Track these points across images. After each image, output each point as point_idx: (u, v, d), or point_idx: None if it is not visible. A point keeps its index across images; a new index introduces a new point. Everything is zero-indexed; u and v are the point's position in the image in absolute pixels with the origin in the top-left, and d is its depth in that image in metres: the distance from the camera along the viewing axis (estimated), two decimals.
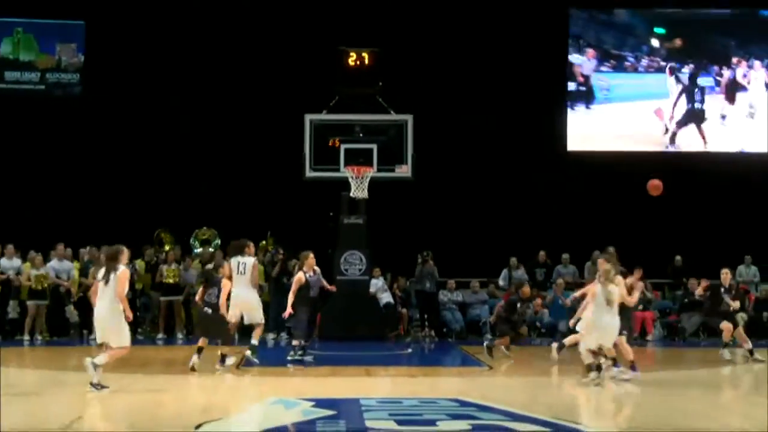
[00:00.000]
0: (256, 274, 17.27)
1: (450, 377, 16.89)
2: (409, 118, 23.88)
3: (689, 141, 26.87)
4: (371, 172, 23.29)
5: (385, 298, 24.06)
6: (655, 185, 17.52)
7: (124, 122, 27.13)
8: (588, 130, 27.92)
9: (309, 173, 23.87)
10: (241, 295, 16.92)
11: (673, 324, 24.74)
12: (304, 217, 25.58)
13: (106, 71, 27.26)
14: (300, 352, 18.13)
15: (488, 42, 27.28)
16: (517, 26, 27.35)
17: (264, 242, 24.58)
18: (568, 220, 26.88)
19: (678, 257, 25.59)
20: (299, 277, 18.04)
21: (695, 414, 12.67)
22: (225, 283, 16.69)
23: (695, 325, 24.31)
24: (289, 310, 17.86)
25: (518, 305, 19.93)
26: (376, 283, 23.98)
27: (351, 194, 23.37)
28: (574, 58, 24.32)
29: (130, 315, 14.39)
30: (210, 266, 19.00)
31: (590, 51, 23.77)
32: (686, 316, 24.32)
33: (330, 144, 23.69)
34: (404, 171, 23.79)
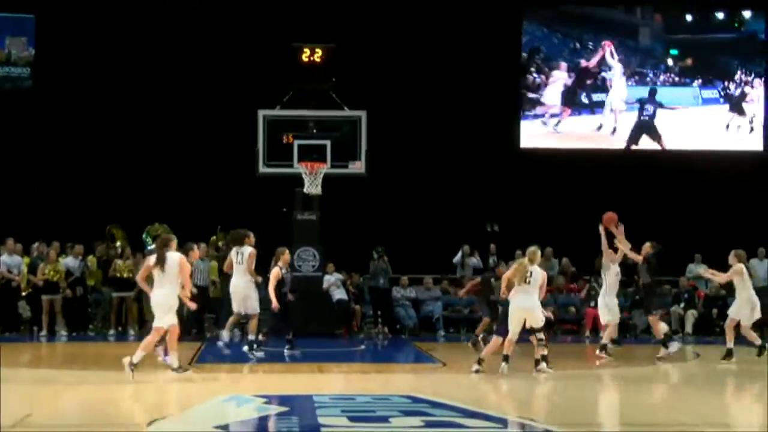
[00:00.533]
0: (252, 263, 17.67)
1: (403, 374, 16.92)
2: (362, 114, 23.81)
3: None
4: (325, 168, 23.18)
5: (338, 294, 24.02)
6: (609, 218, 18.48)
7: (74, 117, 26.91)
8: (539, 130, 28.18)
9: (262, 169, 23.73)
10: (239, 284, 17.42)
11: (624, 321, 24.79)
12: (257, 213, 25.39)
13: (57, 65, 27.01)
14: (288, 347, 18.68)
15: (443, 38, 27.32)
16: (471, 22, 27.39)
17: (214, 237, 24.46)
18: (521, 217, 26.93)
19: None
20: (276, 272, 18.17)
21: (647, 408, 12.78)
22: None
23: (646, 322, 24.42)
24: (275, 304, 17.93)
25: (493, 281, 19.81)
26: (329, 279, 23.95)
27: (304, 190, 23.26)
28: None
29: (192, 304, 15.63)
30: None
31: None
32: (637, 313, 24.44)
33: (284, 140, 23.56)
34: (358, 167, 23.73)
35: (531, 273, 15.57)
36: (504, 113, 28.28)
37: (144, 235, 25.15)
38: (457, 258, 25.78)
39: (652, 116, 23.19)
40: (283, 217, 24.71)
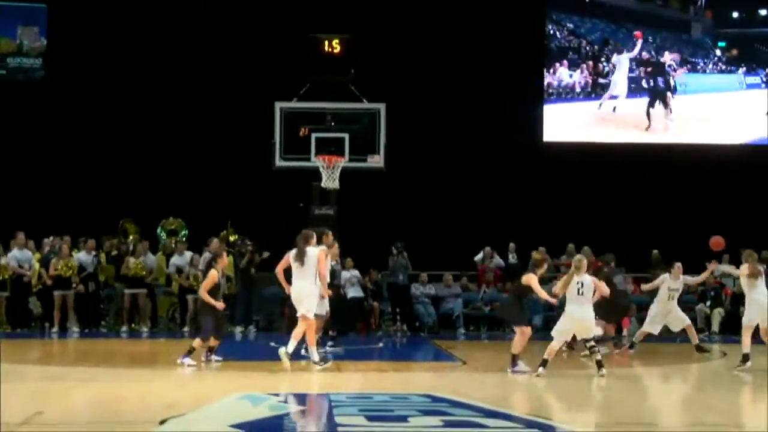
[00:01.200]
0: (322, 265, 16.45)
1: (422, 372, 16.69)
2: (381, 107, 23.53)
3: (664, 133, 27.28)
4: (343, 161, 22.92)
5: (352, 291, 23.61)
6: (716, 242, 18.94)
7: (87, 108, 26.68)
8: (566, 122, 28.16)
9: (279, 162, 23.48)
10: (297, 285, 16.38)
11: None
12: (274, 207, 25.20)
13: (70, 56, 26.81)
14: (330, 343, 18.44)
15: (464, 29, 27.04)
16: (493, 13, 27.08)
17: (224, 232, 24.21)
18: (543, 212, 26.63)
19: (655, 251, 25.33)
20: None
21: (669, 410, 12.55)
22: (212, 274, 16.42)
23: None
24: (326, 293, 16.95)
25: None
26: (346, 275, 23.56)
27: (322, 184, 23.03)
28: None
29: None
30: (208, 255, 18.91)
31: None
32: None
33: (301, 133, 23.27)
34: (376, 161, 23.45)
35: (582, 283, 15.20)
36: (527, 104, 27.95)
37: (158, 230, 24.99)
38: (478, 257, 25.48)
39: (666, 88, 25.27)
40: (300, 212, 24.42)
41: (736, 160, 27.03)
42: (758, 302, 16.73)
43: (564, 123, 28.13)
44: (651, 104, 25.91)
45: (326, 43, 23.88)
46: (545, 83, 28.02)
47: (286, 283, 15.76)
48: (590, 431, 10.94)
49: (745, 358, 16.52)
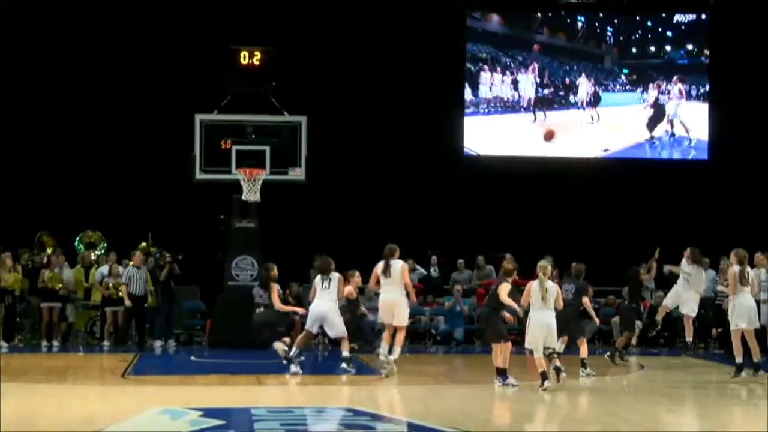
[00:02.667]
0: (342, 287, 18.08)
1: (343, 386, 16.57)
2: (303, 120, 23.41)
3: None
4: (264, 174, 22.75)
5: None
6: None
7: (5, 119, 26.20)
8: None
9: (199, 175, 23.22)
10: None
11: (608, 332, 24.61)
12: (194, 220, 25.00)
13: None
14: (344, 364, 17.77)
15: (384, 42, 27.04)
16: (413, 26, 27.15)
17: (144, 244, 23.96)
18: (464, 224, 26.74)
19: (574, 264, 25.57)
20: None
21: (585, 420, 12.62)
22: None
23: (591, 333, 24.29)
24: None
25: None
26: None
27: (243, 197, 22.81)
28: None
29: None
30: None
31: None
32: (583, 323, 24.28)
33: (222, 145, 23.08)
34: (297, 173, 23.32)
35: (547, 290, 15.34)
36: (448, 115, 28.11)
37: (76, 242, 24.68)
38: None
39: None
40: (221, 225, 24.27)
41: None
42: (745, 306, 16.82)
43: (485, 134, 28.57)
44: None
45: (246, 54, 23.69)
46: (466, 99, 28.46)
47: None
48: None
49: (740, 368, 16.64)
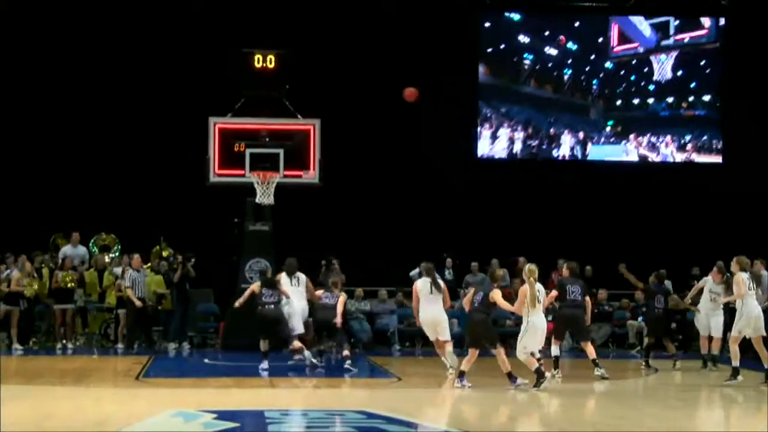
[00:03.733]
0: (312, 288, 19.32)
1: (357, 389, 16.59)
2: (316, 123, 23.43)
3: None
4: (277, 177, 22.77)
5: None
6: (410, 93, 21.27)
7: (17, 122, 26.26)
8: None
9: (213, 178, 23.26)
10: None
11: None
12: (208, 223, 25.01)
13: None
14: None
15: (397, 44, 27.00)
16: (427, 29, 27.14)
17: (157, 247, 24.00)
18: (479, 227, 26.70)
19: (588, 267, 25.51)
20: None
21: (603, 425, 12.57)
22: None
23: (605, 336, 24.27)
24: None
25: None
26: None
27: (256, 200, 22.83)
28: None
29: None
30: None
31: None
32: (595, 326, 24.24)
33: (235, 148, 23.10)
34: (311, 176, 23.31)
35: (539, 291, 15.65)
36: (461, 120, 28.08)
37: (91, 245, 24.70)
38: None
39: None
40: (235, 228, 24.27)
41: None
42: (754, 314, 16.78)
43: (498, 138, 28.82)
44: None
45: (260, 58, 23.71)
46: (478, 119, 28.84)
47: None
48: None
49: (736, 372, 16.59)
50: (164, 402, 14.07)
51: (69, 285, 22.64)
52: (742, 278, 16.75)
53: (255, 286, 18.86)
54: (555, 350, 18.07)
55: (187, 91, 25.58)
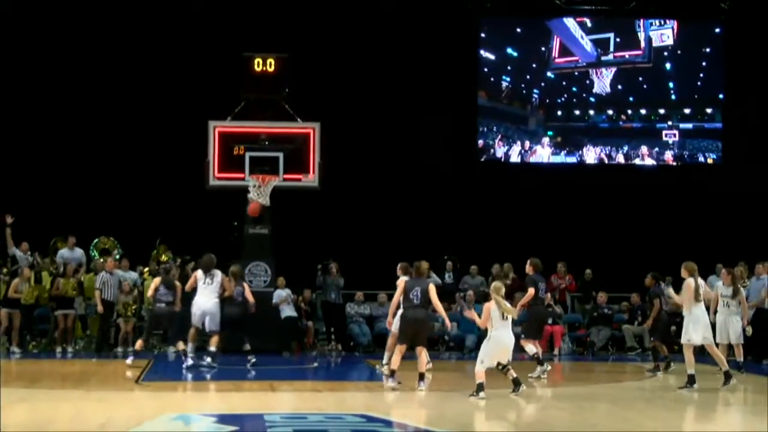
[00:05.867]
0: (228, 285, 19.31)
1: (357, 392, 16.59)
2: (316, 126, 23.44)
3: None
4: (276, 180, 22.81)
5: (287, 311, 23.47)
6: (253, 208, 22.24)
7: (17, 125, 26.25)
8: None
9: (212, 181, 23.28)
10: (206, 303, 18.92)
11: (582, 338, 24.60)
12: (208, 226, 24.99)
13: None
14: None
15: (397, 47, 27.04)
16: (426, 32, 27.15)
17: (155, 252, 23.99)
18: (479, 230, 26.71)
19: (588, 270, 25.54)
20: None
21: (603, 428, 12.57)
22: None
23: (604, 339, 24.26)
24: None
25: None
26: (280, 294, 23.43)
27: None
28: None
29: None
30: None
31: None
32: (595, 329, 24.26)
33: (235, 152, 23.12)
34: (310, 179, 23.33)
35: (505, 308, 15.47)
36: (460, 120, 28.15)
37: (91, 249, 24.67)
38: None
39: None
40: (234, 231, 24.27)
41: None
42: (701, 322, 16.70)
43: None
44: None
45: (260, 61, 23.73)
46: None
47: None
48: None
49: (691, 379, 16.53)
50: (164, 405, 14.07)
51: (71, 293, 22.68)
52: (690, 284, 16.61)
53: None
54: (531, 349, 18.00)
55: (188, 95, 25.61)
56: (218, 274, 19.18)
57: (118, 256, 24.13)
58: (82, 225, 24.55)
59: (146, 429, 11.92)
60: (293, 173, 23.19)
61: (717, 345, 19.08)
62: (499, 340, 15.23)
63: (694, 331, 16.50)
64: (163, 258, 23.85)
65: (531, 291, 18.15)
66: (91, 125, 26.35)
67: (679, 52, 29.26)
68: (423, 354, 16.05)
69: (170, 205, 25.61)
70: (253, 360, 19.26)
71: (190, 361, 18.73)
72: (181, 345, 19.11)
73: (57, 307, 22.83)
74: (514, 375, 15.21)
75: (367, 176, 26.87)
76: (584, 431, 12.32)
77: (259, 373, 18.52)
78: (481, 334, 22.11)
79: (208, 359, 18.77)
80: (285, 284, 23.61)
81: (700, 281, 16.67)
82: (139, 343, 19.80)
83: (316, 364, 21.48)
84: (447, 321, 17.31)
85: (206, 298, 19.04)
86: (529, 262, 18.63)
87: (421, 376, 15.82)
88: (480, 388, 14.91)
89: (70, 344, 22.66)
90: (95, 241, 24.88)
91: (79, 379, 17.43)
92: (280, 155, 23.09)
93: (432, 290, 16.06)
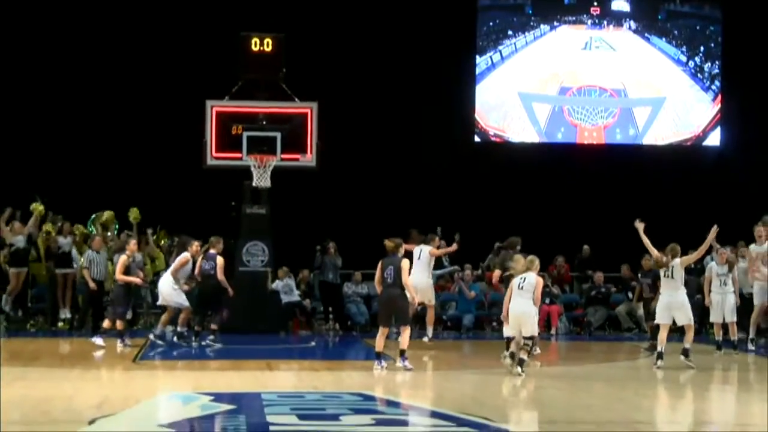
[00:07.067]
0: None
1: (354, 371, 16.61)
2: (314, 106, 23.42)
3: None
4: (275, 160, 22.79)
5: (286, 297, 23.44)
6: None
7: (17, 104, 26.24)
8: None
9: (210, 161, 23.26)
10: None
11: (579, 318, 24.63)
12: (205, 206, 25.00)
13: None
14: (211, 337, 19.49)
15: (395, 26, 27.01)
16: (424, 10, 27.12)
17: (155, 236, 23.98)
18: (477, 210, 26.71)
19: (585, 247, 25.56)
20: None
21: (599, 408, 12.57)
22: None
23: (601, 319, 24.30)
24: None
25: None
26: (279, 284, 23.34)
27: (254, 183, 22.87)
28: None
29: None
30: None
31: None
32: (592, 309, 24.31)
33: (233, 131, 23.10)
34: (308, 159, 23.32)
35: (524, 279, 15.45)
36: (459, 100, 28.19)
37: (88, 224, 24.62)
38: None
39: None
40: (232, 211, 24.26)
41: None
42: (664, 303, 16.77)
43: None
44: None
45: (258, 41, 23.67)
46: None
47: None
48: (522, 430, 10.92)
49: (659, 355, 16.53)
50: (161, 384, 14.15)
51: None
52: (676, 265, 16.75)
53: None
54: (507, 331, 17.90)
55: (185, 75, 25.57)
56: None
57: (115, 231, 24.10)
58: (79, 205, 24.52)
59: (143, 407, 11.95)
60: (291, 153, 23.15)
61: (712, 325, 19.29)
62: (512, 310, 15.39)
63: (661, 313, 16.71)
64: (162, 243, 23.87)
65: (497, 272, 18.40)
66: (88, 106, 26.32)
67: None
68: (406, 333, 15.95)
69: (168, 185, 25.60)
70: (211, 340, 19.35)
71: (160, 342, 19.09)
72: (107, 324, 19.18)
73: (55, 266, 22.81)
74: (522, 356, 15.22)
75: (365, 156, 26.86)
76: (579, 411, 12.36)
77: (256, 352, 18.55)
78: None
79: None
80: (286, 274, 23.53)
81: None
82: (107, 322, 19.32)
83: (313, 343, 21.54)
84: (415, 298, 16.73)
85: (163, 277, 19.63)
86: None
87: (402, 353, 15.75)
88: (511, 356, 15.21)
89: (68, 307, 22.67)
90: (93, 216, 24.83)
91: (77, 358, 17.46)
92: (278, 135, 23.04)
93: (404, 267, 15.89)
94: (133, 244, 19.85)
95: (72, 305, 22.89)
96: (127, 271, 19.06)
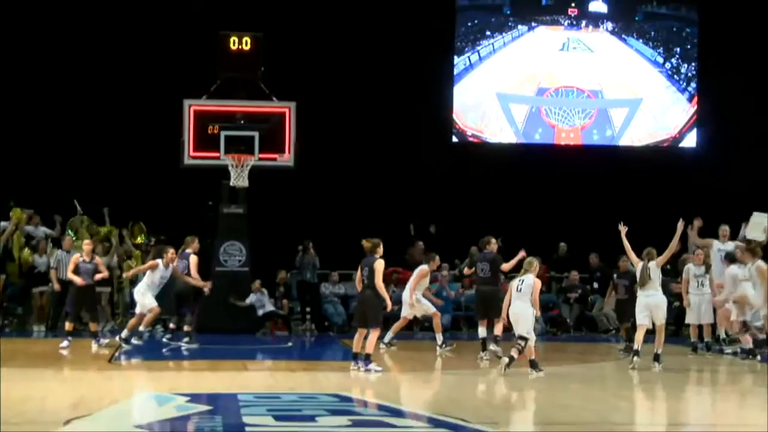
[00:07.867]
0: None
1: (330, 372, 16.59)
2: (291, 106, 23.40)
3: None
4: (252, 160, 22.76)
5: (261, 311, 23.28)
6: None
7: None
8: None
9: (187, 161, 23.21)
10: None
11: (555, 318, 24.64)
12: (182, 205, 24.92)
13: None
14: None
15: (373, 26, 26.96)
16: (402, 10, 27.09)
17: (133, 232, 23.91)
18: (454, 210, 26.72)
19: (563, 244, 25.62)
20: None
21: (576, 408, 12.62)
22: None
23: (574, 318, 24.37)
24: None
25: None
26: (252, 298, 23.17)
27: (231, 183, 22.83)
28: None
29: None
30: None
31: None
32: (566, 307, 24.36)
33: (210, 131, 23.04)
34: (286, 159, 23.29)
35: (522, 281, 15.59)
36: (438, 101, 28.18)
37: (67, 228, 24.54)
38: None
39: None
40: (209, 210, 24.21)
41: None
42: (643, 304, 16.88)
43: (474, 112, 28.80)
44: None
45: (236, 40, 23.65)
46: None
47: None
48: (499, 431, 10.96)
49: (636, 353, 16.57)
50: (138, 385, 14.11)
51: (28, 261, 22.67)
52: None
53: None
54: (482, 332, 17.85)
55: (162, 73, 25.41)
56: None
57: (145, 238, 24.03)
58: (56, 204, 24.42)
59: (119, 408, 11.92)
60: (269, 153, 23.14)
61: (688, 326, 19.40)
62: (510, 311, 15.58)
63: (641, 313, 16.80)
64: (138, 240, 23.79)
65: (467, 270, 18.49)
66: (65, 104, 26.11)
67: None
68: (374, 336, 15.75)
69: (145, 184, 25.46)
70: (186, 341, 19.16)
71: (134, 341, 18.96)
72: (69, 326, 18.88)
73: (32, 285, 22.73)
74: (513, 353, 15.26)
75: (343, 156, 26.77)
76: (556, 412, 12.38)
77: (232, 352, 18.54)
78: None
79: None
80: (260, 287, 23.34)
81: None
82: (68, 325, 19.01)
83: (290, 344, 21.52)
84: (388, 302, 16.16)
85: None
86: (493, 240, 18.62)
87: (367, 357, 15.63)
88: (532, 364, 15.24)
89: (44, 323, 22.58)
90: (70, 220, 24.74)
91: (52, 359, 17.39)
92: (256, 134, 23.00)
93: (377, 268, 15.80)
94: (68, 240, 20.43)
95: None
96: (76, 270, 18.78)
